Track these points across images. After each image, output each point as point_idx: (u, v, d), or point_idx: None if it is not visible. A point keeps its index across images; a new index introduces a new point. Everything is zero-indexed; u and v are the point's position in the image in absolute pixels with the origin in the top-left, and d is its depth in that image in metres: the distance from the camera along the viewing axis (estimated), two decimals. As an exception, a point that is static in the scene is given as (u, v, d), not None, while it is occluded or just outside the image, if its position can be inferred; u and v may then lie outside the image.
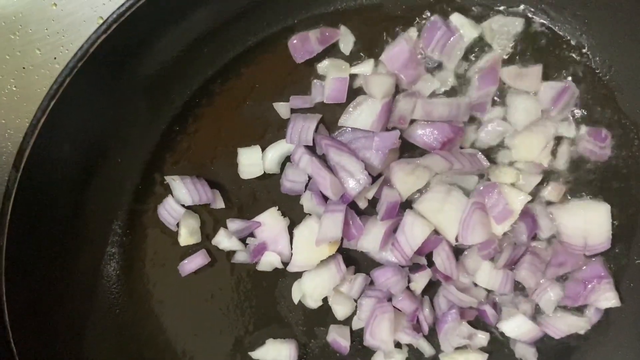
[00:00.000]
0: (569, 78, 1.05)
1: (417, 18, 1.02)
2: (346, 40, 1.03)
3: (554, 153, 1.07)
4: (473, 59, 1.03)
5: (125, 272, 1.12)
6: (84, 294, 1.09)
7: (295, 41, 1.03)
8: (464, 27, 0.99)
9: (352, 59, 1.05)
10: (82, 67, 0.80)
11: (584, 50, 1.03)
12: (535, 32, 1.03)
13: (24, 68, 1.09)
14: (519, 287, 1.15)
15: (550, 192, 1.08)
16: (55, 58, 1.08)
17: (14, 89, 1.10)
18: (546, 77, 1.05)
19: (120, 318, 1.13)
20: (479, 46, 1.03)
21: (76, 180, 0.99)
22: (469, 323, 1.17)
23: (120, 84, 0.92)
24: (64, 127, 0.87)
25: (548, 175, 1.09)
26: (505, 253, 1.08)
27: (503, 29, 1.01)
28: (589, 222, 1.06)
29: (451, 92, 1.05)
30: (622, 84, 1.04)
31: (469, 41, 1.01)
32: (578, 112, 1.06)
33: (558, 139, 1.07)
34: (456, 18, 1.00)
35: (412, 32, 1.01)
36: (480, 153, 1.06)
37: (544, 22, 1.02)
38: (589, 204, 1.08)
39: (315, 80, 1.05)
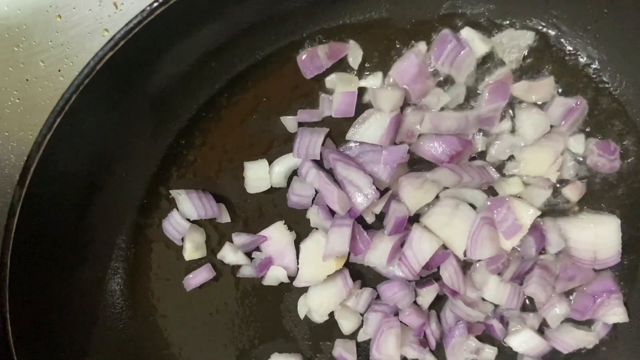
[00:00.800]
0: (579, 94, 1.04)
1: (426, 32, 1.00)
2: (355, 55, 1.02)
3: (562, 168, 1.06)
4: (484, 73, 1.02)
5: (129, 287, 1.11)
6: (88, 309, 1.07)
7: (304, 57, 1.01)
8: (474, 42, 0.98)
9: (361, 73, 1.04)
10: (88, 83, 0.78)
11: (594, 65, 1.02)
12: (545, 46, 1.02)
13: (27, 80, 1.08)
14: (525, 302, 1.14)
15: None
16: (59, 70, 1.07)
17: (17, 101, 1.09)
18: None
19: (125, 333, 1.12)
20: (491, 60, 1.02)
21: (81, 195, 0.98)
22: (476, 337, 1.16)
23: (127, 99, 0.91)
24: (70, 143, 0.86)
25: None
26: (512, 267, 1.07)
27: (513, 43, 1.00)
28: (598, 237, 1.05)
29: (460, 106, 1.04)
30: (633, 98, 1.03)
31: (479, 55, 1.00)
32: (587, 128, 1.05)
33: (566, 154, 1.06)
34: (467, 32, 0.99)
35: (422, 46, 1.00)
36: (489, 165, 1.05)
37: (555, 36, 1.01)
38: (598, 218, 1.07)
39: (323, 95, 1.04)
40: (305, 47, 1.00)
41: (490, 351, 1.17)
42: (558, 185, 1.08)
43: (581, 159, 1.06)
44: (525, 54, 1.01)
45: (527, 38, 1.00)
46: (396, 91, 1.00)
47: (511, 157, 1.07)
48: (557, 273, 1.10)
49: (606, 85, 1.03)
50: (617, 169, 1.05)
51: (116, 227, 1.06)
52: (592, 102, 1.04)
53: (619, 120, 1.04)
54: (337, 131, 1.06)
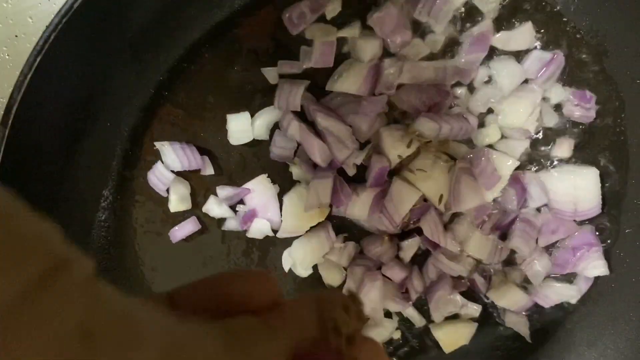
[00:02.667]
0: (555, 45, 1.05)
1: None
2: (333, 6, 1.03)
3: (539, 119, 1.07)
4: (465, 25, 1.03)
5: (116, 239, 1.13)
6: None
7: (288, 15, 1.03)
8: (452, -9, 1.00)
9: (339, 23, 1.05)
10: (67, 22, 0.80)
11: (570, 15, 1.03)
12: (522, -3, 1.03)
13: (16, 36, 1.10)
14: (508, 257, 1.16)
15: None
16: (47, 26, 1.09)
17: (7, 57, 1.11)
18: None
19: (113, 285, 1.14)
20: (472, 13, 1.03)
21: (65, 143, 1.00)
22: (460, 294, 1.18)
23: (106, 40, 0.93)
24: (51, 85, 0.87)
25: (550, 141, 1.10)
26: (492, 218, 1.09)
27: (490, -7, 1.01)
28: (578, 188, 1.07)
29: (438, 56, 1.05)
30: (608, 48, 1.04)
31: (457, 4, 1.01)
32: (562, 77, 1.06)
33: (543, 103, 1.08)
34: (443, -19, 1.01)
35: (401, -5, 1.02)
36: (468, 113, 1.06)
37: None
38: (577, 170, 1.08)
39: (303, 46, 1.05)
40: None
41: (475, 308, 1.19)
42: (536, 136, 1.09)
43: (557, 109, 1.08)
44: (502, 4, 1.02)
45: (505, -15, 1.01)
46: (374, 40, 1.01)
47: (489, 110, 1.08)
48: (539, 226, 1.12)
49: (582, 36, 1.04)
50: (593, 118, 1.06)
51: (101, 178, 1.08)
52: (568, 53, 1.05)
53: (593, 70, 1.05)
54: (319, 84, 1.07)
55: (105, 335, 0.30)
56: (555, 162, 1.10)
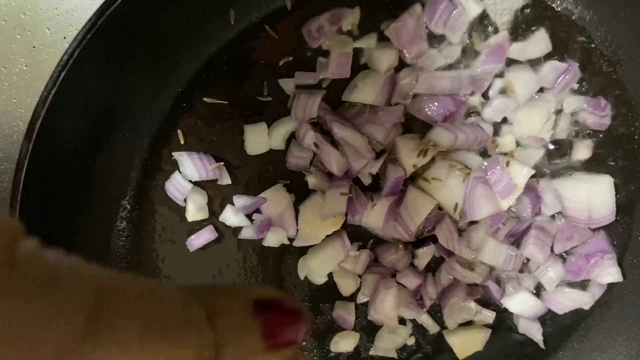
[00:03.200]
0: (570, 54, 1.05)
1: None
2: (351, 17, 1.04)
3: (554, 127, 1.08)
4: (480, 34, 1.04)
5: (134, 248, 1.14)
6: (94, 268, 1.10)
7: (307, 28, 1.04)
8: (467, 3, 1.00)
9: (356, 35, 1.06)
10: (90, 38, 0.81)
11: (585, 25, 1.04)
12: (536, 6, 1.03)
13: (34, 47, 1.11)
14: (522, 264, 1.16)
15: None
16: (64, 37, 1.10)
17: (25, 68, 1.12)
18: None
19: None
20: (486, 21, 1.04)
21: (85, 155, 1.01)
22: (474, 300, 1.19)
23: (127, 55, 0.94)
24: (74, 99, 0.89)
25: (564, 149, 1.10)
26: (506, 226, 1.10)
27: (505, 4, 1.02)
28: (592, 196, 1.07)
29: (453, 66, 1.06)
30: (623, 58, 1.04)
31: (472, 16, 1.02)
32: (577, 86, 1.07)
33: (558, 112, 1.08)
34: (459, -7, 1.01)
35: (417, 7, 1.02)
36: (483, 121, 1.07)
37: (546, -4, 1.03)
38: (591, 177, 1.09)
39: (320, 57, 1.06)
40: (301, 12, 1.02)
41: (489, 314, 1.19)
42: (552, 147, 1.10)
43: (572, 117, 1.08)
44: (518, 14, 1.03)
45: (518, -1, 1.02)
46: (391, 51, 1.02)
47: (504, 120, 1.09)
48: (553, 234, 1.12)
49: (597, 45, 1.05)
50: (607, 126, 1.07)
51: (121, 188, 1.09)
52: (583, 62, 1.05)
53: (608, 79, 1.06)
54: (335, 94, 1.08)
55: None
56: (570, 171, 1.11)
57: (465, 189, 1.07)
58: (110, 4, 0.79)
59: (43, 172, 0.91)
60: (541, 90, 1.06)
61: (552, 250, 1.14)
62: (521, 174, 1.06)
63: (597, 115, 1.06)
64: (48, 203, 0.98)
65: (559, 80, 1.04)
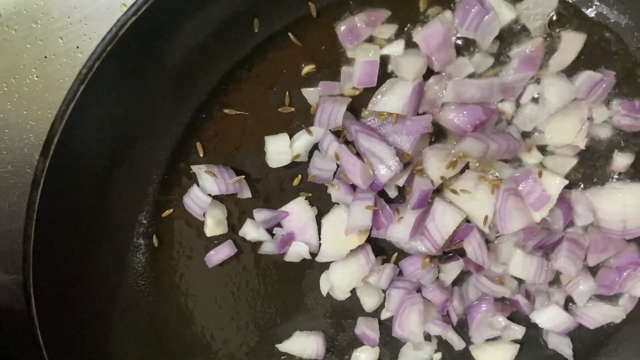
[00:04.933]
0: (603, 61, 1.02)
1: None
2: (387, 28, 1.00)
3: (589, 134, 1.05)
4: (512, 41, 1.00)
5: (151, 264, 1.10)
6: (111, 286, 1.07)
7: (343, 28, 1.00)
8: (500, 8, 0.96)
9: (382, 41, 1.02)
10: (110, 51, 0.78)
11: (620, 30, 1.00)
12: (569, 12, 1.00)
13: (45, 57, 1.07)
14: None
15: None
16: (77, 47, 1.06)
17: (36, 78, 1.08)
18: (580, 60, 1.02)
19: (147, 311, 1.12)
20: (519, 28, 1.00)
21: (103, 170, 0.97)
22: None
23: (147, 69, 0.90)
24: (92, 113, 0.85)
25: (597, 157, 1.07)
26: (536, 237, 1.06)
27: (538, 10, 0.98)
28: (627, 205, 1.04)
29: (484, 75, 1.02)
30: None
31: (505, 22, 0.98)
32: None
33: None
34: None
35: (448, 13, 0.98)
36: (514, 129, 1.03)
37: (579, 1, 0.99)
38: (625, 186, 1.05)
39: (343, 67, 1.02)
40: (342, 16, 0.99)
41: (517, 329, 1.16)
42: (585, 157, 1.06)
43: (607, 123, 1.05)
44: (554, 18, 0.99)
45: (551, 3, 0.98)
46: (419, 58, 0.98)
47: (535, 129, 1.05)
48: (586, 246, 1.08)
49: (632, 51, 1.01)
50: None
51: (138, 203, 1.05)
52: (617, 68, 1.01)
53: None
54: (359, 103, 1.04)
55: None
56: (603, 181, 1.07)
57: (495, 201, 1.03)
58: (131, 15, 0.75)
59: (59, 189, 0.88)
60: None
61: (585, 263, 1.10)
62: (554, 184, 1.02)
63: (633, 117, 1.02)
64: (63, 220, 0.94)
65: (593, 90, 1.01)
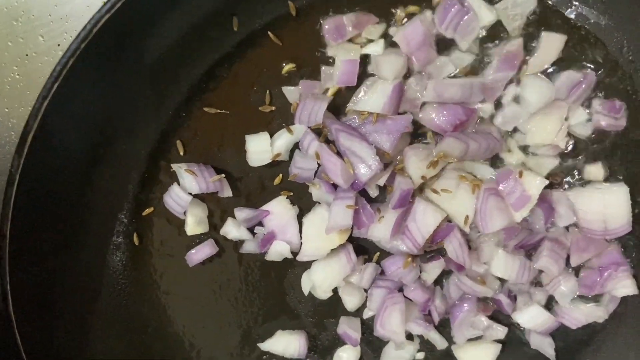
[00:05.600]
0: (583, 60, 1.02)
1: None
2: (374, 29, 1.01)
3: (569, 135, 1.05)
4: (491, 42, 1.01)
5: (131, 263, 1.10)
6: (90, 285, 1.07)
7: (328, 25, 1.00)
8: (480, 9, 0.97)
9: (363, 41, 1.02)
10: (85, 48, 0.77)
11: (600, 31, 1.00)
12: (549, 13, 1.00)
13: (27, 55, 1.07)
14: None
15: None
16: (59, 45, 1.06)
17: (17, 76, 1.08)
18: (560, 61, 1.02)
19: (127, 309, 1.12)
20: (498, 29, 1.01)
21: (81, 168, 0.97)
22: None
23: (124, 67, 0.90)
24: (68, 111, 0.85)
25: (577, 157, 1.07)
26: (517, 237, 1.06)
27: (517, 10, 0.98)
28: (608, 206, 1.04)
29: (464, 74, 1.03)
30: (638, 63, 1.01)
31: (484, 23, 0.98)
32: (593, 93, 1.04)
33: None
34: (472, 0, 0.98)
35: (428, 13, 0.99)
36: (494, 129, 1.03)
37: (557, 2, 0.99)
38: (606, 187, 1.05)
39: (324, 66, 1.02)
40: (328, 13, 0.99)
41: (500, 329, 1.15)
42: (565, 155, 1.07)
43: (586, 122, 1.05)
44: (529, 19, 0.99)
45: (529, 4, 0.98)
46: (399, 57, 0.98)
47: (516, 129, 1.05)
48: (567, 246, 1.09)
49: (612, 52, 1.01)
50: (623, 127, 1.04)
51: (117, 201, 1.05)
52: (597, 68, 1.02)
53: (624, 85, 1.03)
54: (339, 102, 1.04)
55: None
56: (584, 181, 1.08)
57: (476, 201, 1.03)
58: (106, 11, 0.75)
59: (36, 186, 0.88)
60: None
61: (567, 263, 1.10)
62: (534, 184, 1.02)
63: (612, 117, 1.02)
64: (42, 218, 0.94)
65: (573, 90, 1.01)
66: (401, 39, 0.98)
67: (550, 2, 0.99)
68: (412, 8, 0.99)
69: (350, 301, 1.14)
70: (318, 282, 1.11)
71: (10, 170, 0.81)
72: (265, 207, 1.09)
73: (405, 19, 1.01)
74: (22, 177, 0.83)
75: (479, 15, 0.97)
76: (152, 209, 1.08)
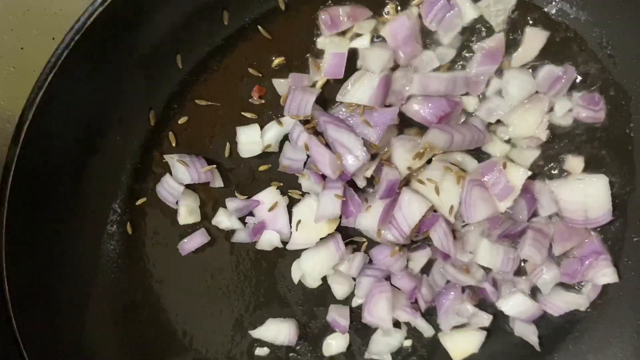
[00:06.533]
0: (563, 56, 1.05)
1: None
2: (367, 24, 1.04)
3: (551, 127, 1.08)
4: (474, 36, 1.04)
5: (125, 252, 1.13)
6: (85, 273, 1.09)
7: (324, 16, 1.03)
8: (465, 5, 1.00)
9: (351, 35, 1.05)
10: (78, 40, 0.80)
11: (580, 26, 1.03)
12: (530, 8, 1.03)
13: (22, 48, 1.09)
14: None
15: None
16: (53, 38, 1.08)
17: (12, 69, 1.10)
18: (542, 55, 1.05)
19: (121, 297, 1.14)
20: (481, 24, 1.03)
21: (76, 158, 0.99)
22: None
23: (117, 59, 0.93)
24: (63, 102, 0.87)
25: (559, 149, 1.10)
26: (501, 227, 1.09)
27: (498, 6, 1.01)
28: (588, 196, 1.07)
29: (448, 68, 1.05)
30: (618, 58, 1.04)
31: (468, 20, 1.02)
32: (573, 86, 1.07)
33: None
34: (457, -4, 1.01)
35: (414, 9, 1.02)
36: (479, 121, 1.06)
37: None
38: (586, 178, 1.08)
39: (311, 58, 1.05)
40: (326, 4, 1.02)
41: (485, 317, 1.18)
42: (547, 149, 1.09)
43: (567, 114, 1.08)
44: (511, 16, 1.02)
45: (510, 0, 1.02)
46: (385, 51, 1.01)
47: (499, 122, 1.08)
48: (550, 235, 1.11)
49: (592, 47, 1.04)
50: (602, 120, 1.07)
51: (111, 191, 1.08)
52: (578, 63, 1.05)
53: (604, 79, 1.06)
54: (327, 95, 1.07)
55: None
56: (565, 172, 1.11)
57: (461, 192, 1.06)
58: (98, 5, 0.78)
59: (32, 176, 0.90)
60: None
61: (550, 252, 1.13)
62: (517, 175, 1.05)
63: (592, 109, 1.05)
64: (37, 207, 0.96)
65: (554, 84, 1.04)
66: (388, 33, 1.01)
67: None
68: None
69: (339, 289, 1.17)
70: (308, 270, 1.14)
71: (6, 160, 0.83)
72: (256, 197, 1.11)
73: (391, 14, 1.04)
74: (18, 166, 0.85)
75: (463, 12, 1.00)
76: (145, 199, 1.10)
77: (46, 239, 1.02)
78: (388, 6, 1.03)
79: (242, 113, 1.08)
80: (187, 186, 1.09)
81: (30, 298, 1.01)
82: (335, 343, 1.21)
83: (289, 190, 1.12)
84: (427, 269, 1.16)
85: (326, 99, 1.07)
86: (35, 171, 0.91)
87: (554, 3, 1.03)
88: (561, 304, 1.16)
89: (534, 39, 1.03)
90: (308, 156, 1.07)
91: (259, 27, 1.02)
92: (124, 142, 1.04)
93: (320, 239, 1.10)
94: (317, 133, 1.07)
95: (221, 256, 1.16)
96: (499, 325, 1.20)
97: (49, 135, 0.89)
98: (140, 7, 0.87)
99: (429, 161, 1.08)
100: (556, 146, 1.10)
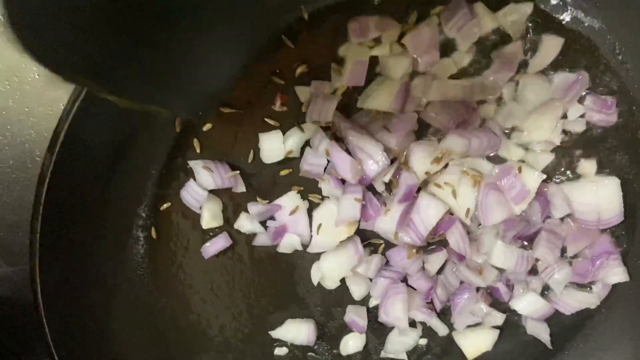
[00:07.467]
0: (578, 63, 1.08)
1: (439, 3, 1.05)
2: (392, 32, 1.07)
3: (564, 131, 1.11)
4: (491, 44, 1.07)
5: (150, 255, 1.15)
6: (112, 277, 1.11)
7: (353, 24, 1.05)
8: (485, 16, 1.03)
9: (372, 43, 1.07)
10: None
11: (593, 33, 1.06)
12: (545, 17, 1.06)
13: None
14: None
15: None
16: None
17: (37, 77, 1.12)
18: (557, 62, 1.08)
19: (146, 299, 1.16)
20: (498, 34, 1.06)
21: (105, 165, 1.02)
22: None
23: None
24: (96, 111, 0.89)
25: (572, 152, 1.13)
26: (515, 228, 1.12)
27: (515, 16, 1.04)
28: (600, 198, 1.10)
29: (465, 74, 1.08)
30: (630, 65, 1.07)
31: (486, 30, 1.05)
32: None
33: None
34: (479, 7, 1.04)
35: (434, 18, 1.05)
36: (496, 126, 1.09)
37: (555, 6, 1.05)
38: (599, 180, 1.11)
39: (334, 65, 1.08)
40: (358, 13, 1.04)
41: (498, 316, 1.21)
42: (561, 152, 1.12)
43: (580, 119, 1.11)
44: (529, 25, 1.05)
45: (526, 9, 1.04)
46: (405, 58, 1.04)
47: (514, 127, 1.11)
48: (563, 236, 1.14)
49: (605, 54, 1.07)
50: (615, 122, 1.10)
51: (137, 197, 1.10)
52: (591, 70, 1.08)
53: (616, 86, 1.09)
54: (348, 102, 1.10)
55: None
56: (578, 174, 1.13)
57: (477, 195, 1.09)
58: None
59: (64, 183, 0.92)
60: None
61: (563, 253, 1.16)
62: (533, 179, 1.08)
63: (604, 113, 1.08)
64: (68, 214, 0.98)
65: (568, 90, 1.07)
66: (409, 42, 1.04)
67: (547, 7, 1.05)
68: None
69: (357, 290, 1.20)
70: (327, 272, 1.16)
71: (41, 169, 0.85)
72: (277, 201, 1.14)
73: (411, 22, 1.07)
74: (52, 174, 0.87)
75: (482, 22, 1.03)
76: (169, 203, 1.13)
77: (76, 243, 1.04)
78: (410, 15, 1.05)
79: (265, 119, 1.10)
80: (211, 191, 1.12)
81: (60, 301, 1.03)
82: (352, 342, 1.23)
83: (310, 195, 1.14)
84: (440, 269, 1.18)
85: (347, 105, 1.09)
86: (68, 178, 0.93)
87: (568, 11, 1.05)
88: (572, 302, 1.19)
89: (550, 46, 1.06)
90: (328, 161, 1.10)
91: (283, 36, 1.04)
92: (150, 148, 1.07)
93: (340, 241, 1.13)
94: (338, 139, 1.09)
95: (242, 259, 1.18)
96: (512, 323, 1.23)
97: (82, 144, 0.91)
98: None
99: (446, 165, 1.11)
100: (569, 150, 1.13)
